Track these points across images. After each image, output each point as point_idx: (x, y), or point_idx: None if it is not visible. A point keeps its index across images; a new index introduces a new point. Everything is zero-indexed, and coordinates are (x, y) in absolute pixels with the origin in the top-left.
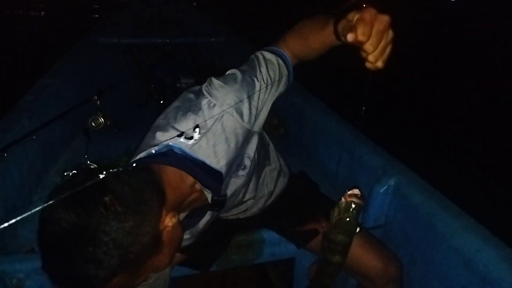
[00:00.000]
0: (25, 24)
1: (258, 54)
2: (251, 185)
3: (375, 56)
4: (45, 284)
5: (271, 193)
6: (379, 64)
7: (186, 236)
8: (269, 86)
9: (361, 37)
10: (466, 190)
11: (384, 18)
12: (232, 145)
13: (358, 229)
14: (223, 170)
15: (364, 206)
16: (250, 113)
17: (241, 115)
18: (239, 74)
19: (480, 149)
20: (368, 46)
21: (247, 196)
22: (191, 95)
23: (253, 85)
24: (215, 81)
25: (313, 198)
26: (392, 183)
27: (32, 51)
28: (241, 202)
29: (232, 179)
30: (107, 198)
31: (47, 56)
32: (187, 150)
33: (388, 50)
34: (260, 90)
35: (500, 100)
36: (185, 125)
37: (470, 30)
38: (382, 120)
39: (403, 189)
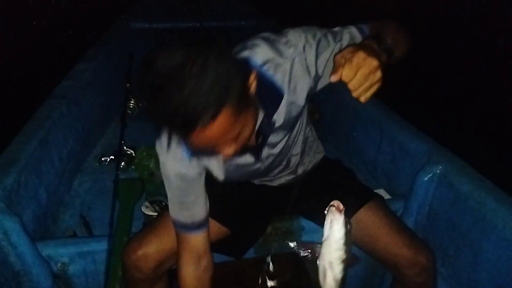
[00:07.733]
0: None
1: (347, 28)
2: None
3: (358, 93)
4: (88, 267)
5: (303, 161)
6: (362, 99)
7: (221, 170)
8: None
9: (344, 79)
10: None
11: (372, 63)
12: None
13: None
14: (284, 93)
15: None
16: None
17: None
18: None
19: None
20: (351, 86)
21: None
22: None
23: (326, 46)
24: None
25: (348, 184)
26: (438, 171)
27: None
28: (278, 156)
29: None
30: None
31: (82, 42)
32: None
33: (373, 89)
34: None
35: None
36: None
37: None
38: (428, 106)
39: (450, 178)
